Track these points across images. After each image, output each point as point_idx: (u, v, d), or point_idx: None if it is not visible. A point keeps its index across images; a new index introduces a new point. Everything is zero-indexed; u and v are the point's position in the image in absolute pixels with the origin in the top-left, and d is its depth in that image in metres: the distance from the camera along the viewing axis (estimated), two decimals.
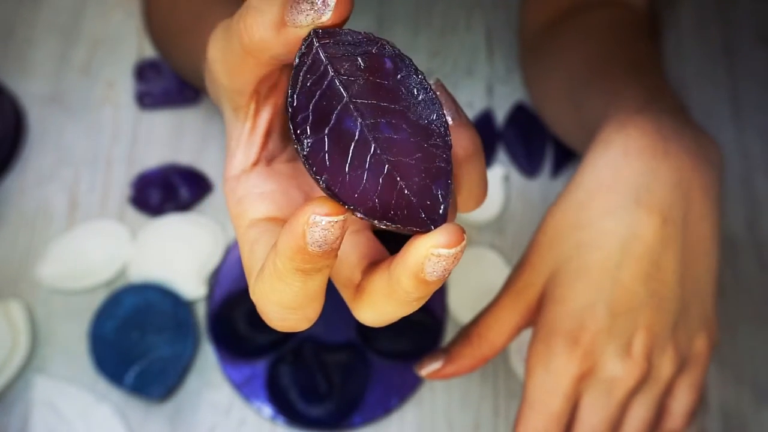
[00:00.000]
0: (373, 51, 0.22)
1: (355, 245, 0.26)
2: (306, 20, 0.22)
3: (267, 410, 0.48)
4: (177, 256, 0.52)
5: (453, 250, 0.21)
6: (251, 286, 0.24)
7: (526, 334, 0.36)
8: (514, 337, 0.36)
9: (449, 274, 0.22)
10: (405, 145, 0.22)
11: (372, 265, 0.25)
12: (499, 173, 0.55)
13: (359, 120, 0.22)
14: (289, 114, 0.22)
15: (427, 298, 0.23)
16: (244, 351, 0.49)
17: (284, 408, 0.48)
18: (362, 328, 0.50)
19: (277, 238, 0.22)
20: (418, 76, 0.22)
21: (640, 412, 0.35)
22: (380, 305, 0.24)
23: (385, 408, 0.48)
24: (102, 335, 0.50)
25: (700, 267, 0.35)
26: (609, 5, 0.50)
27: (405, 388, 0.49)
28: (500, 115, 0.58)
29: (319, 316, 0.25)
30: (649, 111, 0.36)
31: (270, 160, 0.27)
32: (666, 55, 0.60)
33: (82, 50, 0.61)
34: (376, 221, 0.22)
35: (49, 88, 0.59)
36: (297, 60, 0.22)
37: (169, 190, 0.55)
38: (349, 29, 0.22)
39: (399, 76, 0.22)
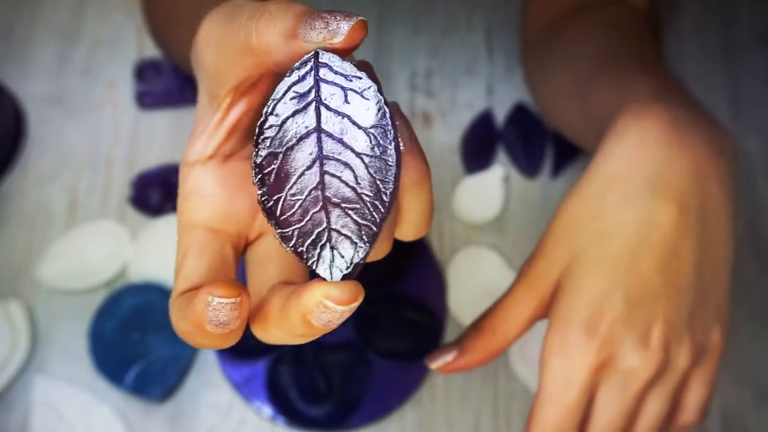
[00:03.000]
0: (363, 91, 0.22)
1: (280, 260, 0.26)
2: (317, 38, 0.22)
3: (267, 410, 0.48)
4: None
5: (340, 308, 0.22)
6: (174, 291, 0.25)
7: (527, 333, 0.36)
8: (527, 329, 0.35)
9: (335, 326, 0.23)
10: (347, 192, 0.22)
11: (282, 285, 0.25)
12: (499, 173, 0.55)
13: (318, 151, 0.22)
14: (261, 119, 0.22)
15: (312, 338, 0.23)
16: (244, 351, 0.49)
17: (284, 408, 0.48)
18: (362, 328, 0.50)
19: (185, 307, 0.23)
20: (392, 131, 0.22)
21: (655, 405, 0.34)
22: (270, 327, 0.24)
23: (385, 408, 0.48)
24: (102, 335, 0.50)
25: (716, 257, 0.34)
26: (612, 4, 0.50)
27: (405, 388, 0.49)
28: (500, 115, 0.58)
29: None
30: (663, 101, 0.36)
31: (228, 156, 0.27)
32: (666, 55, 0.60)
33: (82, 50, 0.61)
34: (289, 249, 0.22)
35: (49, 88, 0.59)
36: (291, 71, 0.22)
37: (169, 190, 0.55)
38: (350, 60, 0.22)
39: (374, 123, 0.22)
